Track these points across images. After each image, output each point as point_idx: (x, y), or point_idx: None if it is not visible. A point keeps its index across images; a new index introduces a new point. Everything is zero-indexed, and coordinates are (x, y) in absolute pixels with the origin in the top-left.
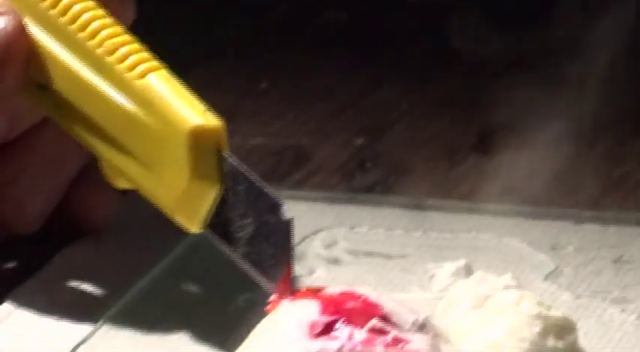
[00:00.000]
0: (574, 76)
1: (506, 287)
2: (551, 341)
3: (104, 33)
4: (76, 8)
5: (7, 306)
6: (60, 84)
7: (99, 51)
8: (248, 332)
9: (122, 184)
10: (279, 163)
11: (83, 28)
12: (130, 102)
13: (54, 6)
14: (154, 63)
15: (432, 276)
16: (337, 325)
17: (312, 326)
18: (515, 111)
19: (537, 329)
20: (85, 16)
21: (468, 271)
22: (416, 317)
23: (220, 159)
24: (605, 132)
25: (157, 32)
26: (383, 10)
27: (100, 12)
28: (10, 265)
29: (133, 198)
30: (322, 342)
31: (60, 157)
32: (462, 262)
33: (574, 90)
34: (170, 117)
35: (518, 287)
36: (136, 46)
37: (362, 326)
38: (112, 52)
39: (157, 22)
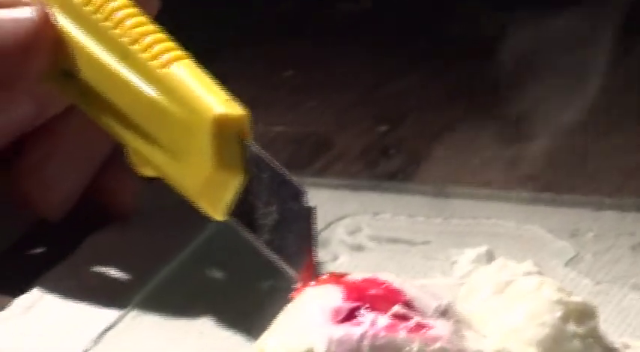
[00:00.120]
0: (595, 64)
1: (527, 274)
2: (571, 327)
3: (129, 22)
4: None
5: (37, 292)
6: (86, 72)
7: (124, 40)
8: (272, 317)
9: (148, 172)
10: (301, 151)
11: (108, 17)
12: (155, 90)
13: None
14: (178, 52)
15: (454, 263)
16: (361, 311)
17: (336, 312)
18: (535, 98)
19: (558, 314)
20: (110, 5)
21: (489, 257)
22: (438, 303)
23: (243, 147)
24: (626, 120)
25: (181, 22)
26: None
27: (125, 1)
28: (40, 251)
29: (159, 186)
30: (346, 328)
31: (87, 144)
32: (483, 248)
33: (595, 77)
34: (194, 106)
35: (539, 273)
36: (160, 35)
37: (385, 312)
38: (137, 41)
39: (181, 12)
